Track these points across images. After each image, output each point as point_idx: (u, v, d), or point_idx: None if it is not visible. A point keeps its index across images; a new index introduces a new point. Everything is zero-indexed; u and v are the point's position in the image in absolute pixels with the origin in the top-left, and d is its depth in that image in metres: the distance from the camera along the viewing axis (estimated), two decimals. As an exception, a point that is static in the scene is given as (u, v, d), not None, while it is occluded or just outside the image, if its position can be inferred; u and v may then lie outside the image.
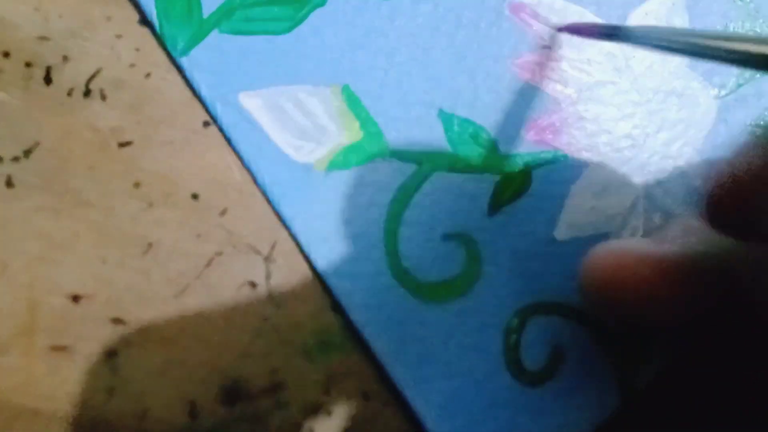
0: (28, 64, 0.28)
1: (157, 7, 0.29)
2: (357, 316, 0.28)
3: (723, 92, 0.30)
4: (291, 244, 0.29)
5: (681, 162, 0.30)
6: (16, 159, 0.28)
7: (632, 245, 0.25)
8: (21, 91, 0.28)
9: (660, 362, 0.29)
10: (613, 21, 0.30)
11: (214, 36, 0.29)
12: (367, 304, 0.29)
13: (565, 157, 0.30)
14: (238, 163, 0.29)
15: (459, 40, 0.30)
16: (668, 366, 0.29)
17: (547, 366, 0.29)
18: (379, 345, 0.28)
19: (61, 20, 0.28)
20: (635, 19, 0.30)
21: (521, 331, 0.29)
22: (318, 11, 0.29)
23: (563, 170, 0.30)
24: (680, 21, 0.30)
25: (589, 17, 0.30)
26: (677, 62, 0.30)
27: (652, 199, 0.30)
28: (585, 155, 0.30)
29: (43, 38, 0.28)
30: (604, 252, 0.25)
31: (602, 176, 0.30)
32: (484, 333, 0.29)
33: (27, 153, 0.28)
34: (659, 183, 0.30)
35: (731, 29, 0.30)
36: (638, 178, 0.30)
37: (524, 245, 0.29)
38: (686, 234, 0.25)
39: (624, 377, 0.29)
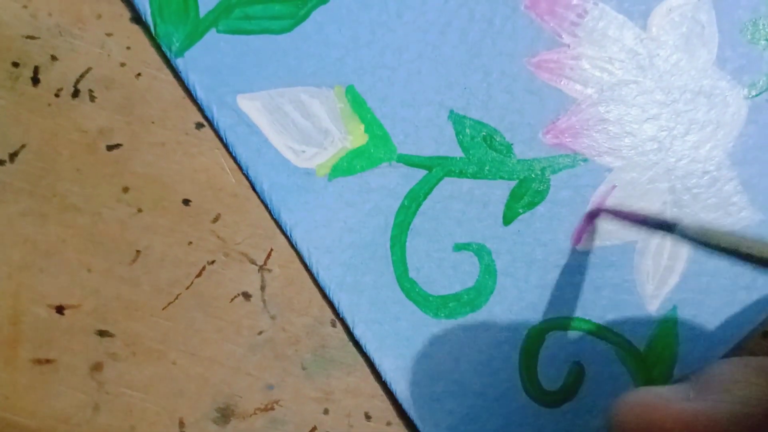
0: (15, 64, 0.29)
1: (151, 6, 0.29)
2: (360, 331, 0.28)
3: (753, 92, 0.30)
4: (288, 253, 0.29)
5: (711, 166, 0.29)
6: (0, 162, 0.28)
7: (665, 397, 0.23)
8: (7, 92, 0.28)
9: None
10: (635, 17, 0.30)
11: (212, 36, 0.29)
12: (372, 318, 0.29)
13: (586, 161, 0.29)
14: (233, 165, 0.29)
15: (471, 37, 0.30)
16: None
17: (567, 385, 0.29)
18: (385, 362, 0.28)
19: (50, 18, 0.29)
20: (658, 14, 0.30)
21: (539, 347, 0.29)
22: (321, 8, 0.30)
23: (584, 175, 0.29)
24: (706, 17, 0.30)
25: (609, 12, 0.30)
26: (704, 59, 0.30)
27: (681, 205, 0.29)
28: (607, 159, 0.29)
29: (31, 37, 0.29)
30: (634, 404, 0.23)
31: (626, 181, 0.29)
32: (498, 350, 0.29)
33: (12, 156, 0.28)
34: (688, 188, 0.29)
35: (761, 26, 0.31)
36: (665, 183, 0.29)
37: (542, 255, 0.29)
38: (729, 384, 0.22)
39: None
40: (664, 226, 0.25)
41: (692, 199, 0.29)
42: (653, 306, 0.29)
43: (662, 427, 0.22)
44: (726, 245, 0.21)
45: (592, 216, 0.29)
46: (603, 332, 0.29)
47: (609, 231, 0.29)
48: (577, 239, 0.29)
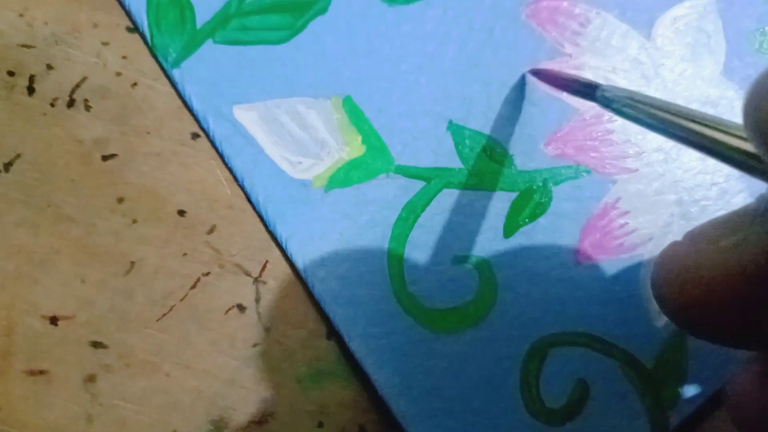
0: (10, 73, 0.31)
1: (148, 17, 0.31)
2: (357, 346, 0.30)
3: None
4: (283, 265, 0.31)
5: (719, 178, 0.31)
6: (-5, 172, 0.30)
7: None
8: (2, 101, 0.31)
9: (695, 400, 0.30)
10: (639, 26, 0.32)
11: (208, 46, 0.31)
12: (369, 332, 0.30)
13: (589, 172, 0.31)
14: (229, 176, 0.31)
15: (471, 47, 0.32)
16: (703, 404, 0.31)
17: (570, 403, 0.30)
18: (382, 377, 0.30)
19: (46, 27, 0.31)
20: (663, 23, 0.32)
21: (541, 363, 0.30)
22: (319, 19, 0.32)
23: (587, 187, 0.31)
24: (712, 26, 0.32)
25: (612, 21, 0.32)
26: (711, 69, 0.32)
27: (689, 218, 0.31)
28: (611, 170, 0.31)
29: (26, 46, 0.31)
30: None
31: (631, 193, 0.31)
32: (499, 366, 0.30)
33: (7, 166, 0.30)
34: (696, 201, 0.31)
35: (768, 31, 0.33)
36: (672, 195, 0.31)
37: (544, 269, 0.31)
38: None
39: (656, 416, 0.30)
40: (587, 90, 0.27)
41: (700, 212, 0.31)
42: (661, 321, 0.31)
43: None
44: (659, 116, 0.22)
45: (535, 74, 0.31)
46: (608, 348, 0.31)
47: (613, 245, 0.31)
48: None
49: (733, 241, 0.21)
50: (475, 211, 0.31)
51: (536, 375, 0.31)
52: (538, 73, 0.31)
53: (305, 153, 0.31)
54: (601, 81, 0.31)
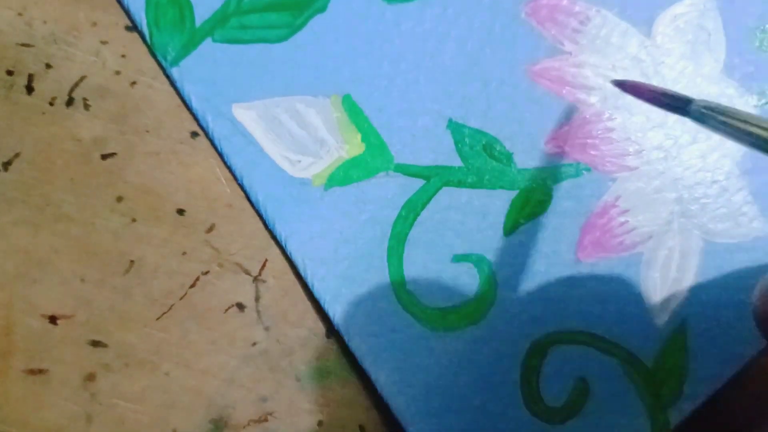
0: (9, 72, 0.31)
1: (147, 15, 0.31)
2: (356, 344, 0.30)
3: (762, 100, 0.32)
4: (283, 264, 0.31)
5: (719, 176, 0.31)
6: (-6, 171, 0.31)
7: None
8: (1, 100, 0.31)
9: (695, 398, 0.30)
10: (639, 24, 0.32)
11: (207, 45, 0.31)
12: (368, 331, 0.30)
13: (589, 170, 0.31)
14: (228, 175, 0.31)
15: (470, 46, 0.32)
16: (703, 403, 0.30)
17: (570, 401, 0.30)
18: (381, 376, 0.30)
19: (45, 26, 0.31)
20: (663, 21, 0.32)
21: (541, 362, 0.30)
22: (318, 17, 0.32)
23: (587, 185, 0.31)
24: (713, 24, 0.32)
25: (612, 19, 0.32)
26: (711, 67, 0.32)
27: (689, 215, 0.31)
28: (611, 168, 0.31)
29: (25, 45, 0.31)
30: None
31: (631, 191, 0.31)
32: (498, 364, 0.30)
33: (6, 165, 0.30)
34: (696, 198, 0.31)
35: (768, 30, 0.33)
36: (672, 193, 0.31)
37: (544, 267, 0.31)
38: None
39: (656, 414, 0.30)
40: (677, 104, 0.25)
41: (700, 209, 0.31)
42: (661, 320, 0.31)
43: None
44: (751, 125, 0.22)
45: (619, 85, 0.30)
46: (608, 347, 0.30)
47: (613, 243, 0.31)
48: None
49: None
50: (475, 209, 0.31)
51: (536, 373, 0.30)
52: (623, 85, 0.30)
53: (305, 151, 0.31)
54: (600, 79, 0.31)
